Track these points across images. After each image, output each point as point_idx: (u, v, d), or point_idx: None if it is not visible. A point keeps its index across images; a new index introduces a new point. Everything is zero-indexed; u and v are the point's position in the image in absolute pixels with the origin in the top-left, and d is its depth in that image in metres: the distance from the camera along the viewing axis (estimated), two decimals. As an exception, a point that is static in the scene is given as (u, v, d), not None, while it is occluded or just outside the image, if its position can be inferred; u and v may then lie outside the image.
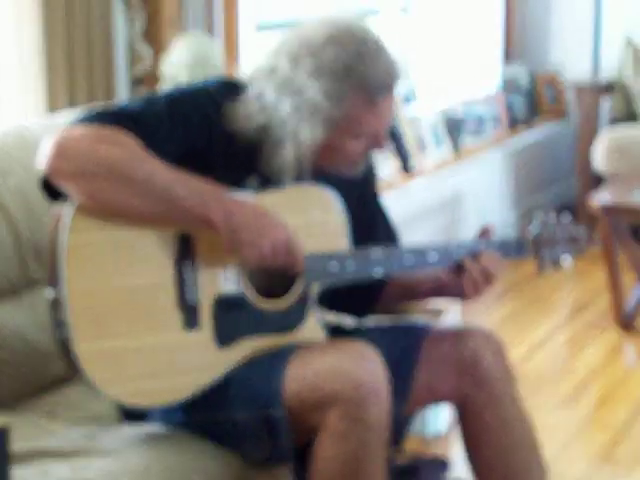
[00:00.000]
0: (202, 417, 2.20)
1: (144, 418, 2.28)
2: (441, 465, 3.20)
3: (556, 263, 2.39)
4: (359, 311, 2.45)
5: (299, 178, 2.20)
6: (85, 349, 2.04)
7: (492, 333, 2.36)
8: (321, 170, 2.23)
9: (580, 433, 3.45)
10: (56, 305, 2.06)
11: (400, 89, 2.22)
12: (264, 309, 2.20)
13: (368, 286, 2.36)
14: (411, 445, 3.26)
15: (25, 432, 2.24)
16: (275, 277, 2.22)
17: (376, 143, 2.22)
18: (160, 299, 2.10)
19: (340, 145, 2.19)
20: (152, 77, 3.55)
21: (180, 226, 2.11)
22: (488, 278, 2.29)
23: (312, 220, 2.23)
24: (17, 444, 2.06)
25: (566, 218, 2.41)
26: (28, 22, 3.01)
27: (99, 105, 2.21)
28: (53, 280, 2.06)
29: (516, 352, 4.05)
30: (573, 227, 2.41)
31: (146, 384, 2.10)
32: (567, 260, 2.38)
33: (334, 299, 2.34)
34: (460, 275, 2.29)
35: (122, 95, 3.45)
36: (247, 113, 2.15)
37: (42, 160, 2.04)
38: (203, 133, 2.14)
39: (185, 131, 2.12)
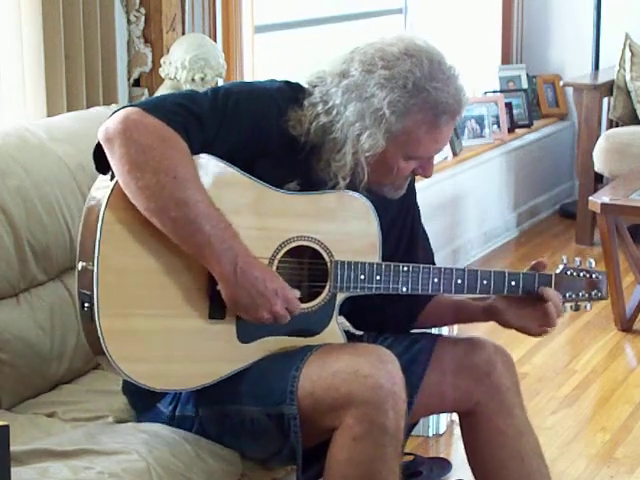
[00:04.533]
0: (213, 409, 2.20)
1: (154, 407, 2.27)
2: (443, 465, 3.20)
3: (577, 308, 2.38)
4: (396, 330, 2.41)
5: (350, 188, 2.19)
6: (108, 324, 2.04)
7: (501, 346, 2.37)
8: (367, 186, 2.20)
9: (580, 433, 3.45)
10: (84, 276, 2.06)
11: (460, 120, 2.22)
12: None
13: (408, 306, 2.35)
14: (412, 445, 3.26)
15: (25, 432, 2.24)
16: (302, 281, 2.21)
17: (423, 169, 2.22)
18: (190, 285, 2.10)
19: (392, 162, 2.17)
20: (152, 78, 3.55)
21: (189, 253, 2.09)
22: (559, 312, 2.30)
23: (346, 228, 2.22)
24: (17, 444, 2.07)
25: (589, 264, 2.40)
26: (28, 23, 3.01)
27: (172, 94, 2.21)
28: (86, 254, 2.06)
29: (517, 353, 4.05)
30: (595, 274, 2.38)
31: (162, 367, 2.10)
32: (587, 306, 2.38)
33: (371, 317, 2.34)
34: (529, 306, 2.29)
35: (122, 96, 3.45)
36: (311, 114, 2.15)
37: (104, 128, 2.04)
38: (262, 136, 2.14)
39: (247, 134, 2.13)
